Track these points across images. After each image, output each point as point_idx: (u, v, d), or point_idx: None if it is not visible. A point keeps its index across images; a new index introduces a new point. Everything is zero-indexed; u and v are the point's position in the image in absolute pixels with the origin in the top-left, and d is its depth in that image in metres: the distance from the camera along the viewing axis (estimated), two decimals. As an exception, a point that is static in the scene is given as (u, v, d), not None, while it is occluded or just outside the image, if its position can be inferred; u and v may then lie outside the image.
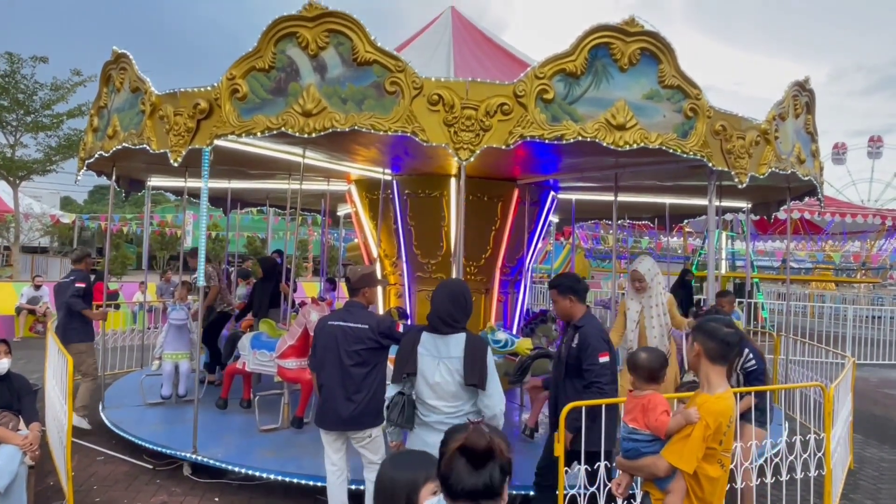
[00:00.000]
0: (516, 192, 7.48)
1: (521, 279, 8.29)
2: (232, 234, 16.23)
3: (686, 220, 12.34)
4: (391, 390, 3.48)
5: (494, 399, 3.28)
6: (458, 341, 3.32)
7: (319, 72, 4.50)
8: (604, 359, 3.86)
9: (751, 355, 4.72)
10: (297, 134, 4.53)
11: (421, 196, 7.27)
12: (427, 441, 3.31)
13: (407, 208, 7.36)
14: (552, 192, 8.17)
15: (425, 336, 3.41)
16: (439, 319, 3.35)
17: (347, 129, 4.49)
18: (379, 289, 6.84)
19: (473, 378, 3.22)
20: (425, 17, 8.50)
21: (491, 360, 3.35)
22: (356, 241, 16.82)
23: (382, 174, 7.33)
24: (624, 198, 8.51)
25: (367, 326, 4.11)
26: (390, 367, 5.01)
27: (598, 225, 21.11)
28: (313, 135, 4.50)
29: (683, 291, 10.88)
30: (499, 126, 4.48)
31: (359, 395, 4.07)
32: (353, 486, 4.49)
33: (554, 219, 11.12)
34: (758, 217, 9.59)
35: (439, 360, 3.32)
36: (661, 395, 3.09)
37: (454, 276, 7.11)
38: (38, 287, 13.55)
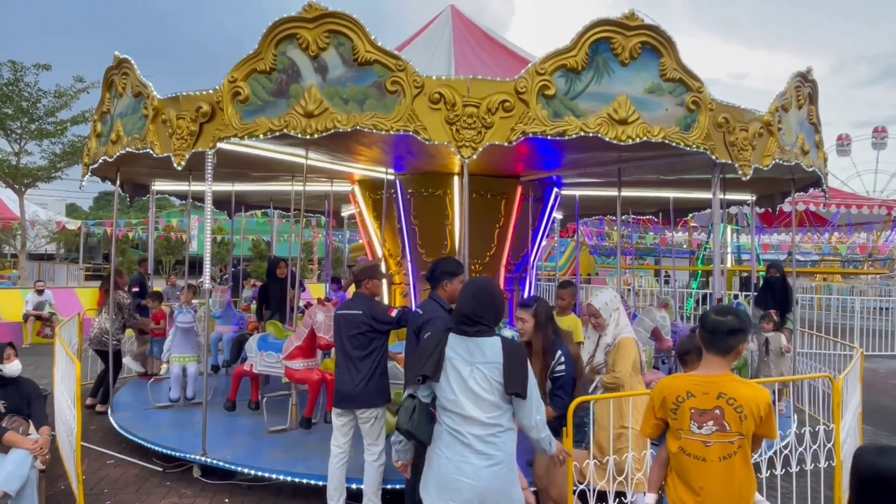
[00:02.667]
0: (519, 189, 7.48)
1: (525, 276, 8.28)
2: (237, 237, 16.24)
3: (691, 214, 12.31)
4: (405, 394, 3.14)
5: (532, 408, 2.95)
6: (493, 345, 2.96)
7: (320, 73, 4.51)
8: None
9: (562, 359, 3.99)
10: (299, 135, 4.54)
11: (424, 195, 7.28)
12: (462, 469, 2.86)
13: (410, 207, 7.37)
14: (555, 189, 8.16)
15: (454, 338, 3.01)
16: (463, 317, 3.01)
17: (349, 130, 4.50)
18: (384, 284, 6.89)
19: (516, 386, 2.88)
20: (425, 16, 8.51)
21: (529, 366, 3.04)
22: (360, 241, 16.82)
23: (385, 174, 7.34)
24: (628, 193, 8.49)
25: (360, 312, 4.45)
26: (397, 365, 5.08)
27: (603, 221, 21.09)
28: (315, 136, 4.52)
29: (769, 294, 8.66)
30: (501, 123, 4.48)
31: (359, 375, 4.40)
32: (354, 486, 4.58)
33: (557, 215, 11.09)
34: (762, 210, 9.55)
35: (473, 365, 2.93)
36: (663, 376, 3.35)
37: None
38: (40, 292, 13.59)
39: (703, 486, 2.74)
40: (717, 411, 2.70)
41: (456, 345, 3.00)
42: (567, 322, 5.73)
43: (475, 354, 2.95)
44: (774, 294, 8.64)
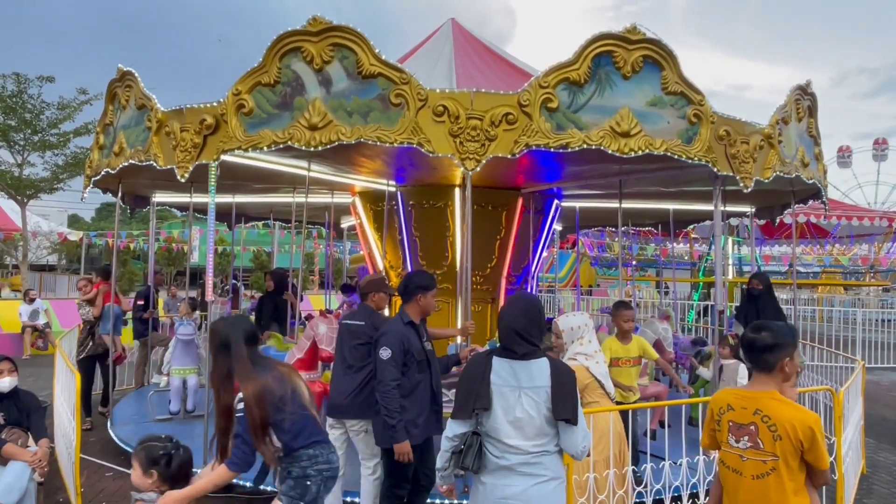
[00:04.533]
0: (520, 201, 7.49)
1: (526, 287, 8.28)
2: (238, 249, 16.24)
3: (691, 226, 12.31)
4: (455, 428, 2.84)
5: (580, 435, 2.77)
6: (541, 368, 2.79)
7: (325, 85, 4.54)
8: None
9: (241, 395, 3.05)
10: (303, 147, 4.56)
11: (425, 207, 7.29)
12: (507, 492, 2.73)
13: (412, 219, 7.38)
14: (556, 201, 8.18)
15: (498, 362, 2.83)
16: (516, 336, 2.82)
17: (353, 142, 4.51)
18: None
19: (566, 412, 2.72)
20: (424, 29, 8.57)
21: (578, 390, 2.90)
22: (360, 253, 16.77)
23: (387, 185, 7.35)
24: (628, 204, 8.51)
25: (363, 323, 4.45)
26: None
27: (604, 233, 21.10)
28: (319, 148, 4.54)
29: (752, 310, 7.26)
30: (504, 135, 4.50)
31: (353, 384, 4.39)
32: (351, 499, 4.60)
33: (557, 227, 11.09)
34: (763, 222, 9.56)
35: (520, 390, 2.76)
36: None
37: (459, 285, 7.17)
38: (31, 301, 13.50)
39: (738, 503, 2.72)
40: (752, 427, 2.68)
41: (501, 370, 2.81)
42: (635, 344, 5.26)
43: (522, 379, 2.78)
44: (758, 310, 7.09)
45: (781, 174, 5.44)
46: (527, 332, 2.83)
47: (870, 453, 6.77)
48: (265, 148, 4.66)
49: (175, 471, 2.99)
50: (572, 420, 2.73)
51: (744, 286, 17.95)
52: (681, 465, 4.50)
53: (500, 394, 2.77)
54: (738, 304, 9.02)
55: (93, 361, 7.55)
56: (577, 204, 9.32)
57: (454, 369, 4.77)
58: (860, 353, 13.06)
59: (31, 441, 4.60)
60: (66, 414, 5.36)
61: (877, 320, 15.39)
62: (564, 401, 2.73)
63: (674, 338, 7.66)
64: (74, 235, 25.46)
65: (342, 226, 12.60)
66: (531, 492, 2.73)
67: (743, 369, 5.98)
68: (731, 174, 5.01)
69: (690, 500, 4.45)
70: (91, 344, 7.42)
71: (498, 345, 2.98)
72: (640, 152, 4.61)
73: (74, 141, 19.58)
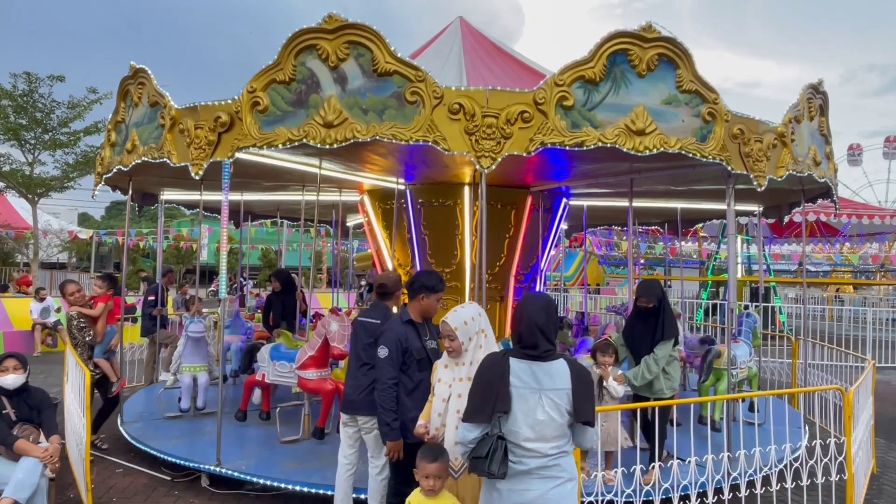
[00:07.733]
0: (529, 200, 7.49)
1: (535, 286, 8.28)
2: (245, 247, 16.27)
3: (699, 224, 12.26)
4: (472, 432, 2.73)
5: (591, 434, 2.82)
6: (561, 369, 2.75)
7: (340, 83, 4.54)
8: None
9: None
10: (318, 145, 4.56)
11: (435, 205, 7.29)
12: (524, 497, 2.70)
13: (421, 217, 7.38)
14: (564, 199, 8.18)
15: (517, 364, 2.76)
16: (539, 332, 2.78)
17: (369, 140, 4.52)
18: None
19: (587, 414, 2.72)
20: (431, 27, 8.56)
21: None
22: (367, 251, 16.77)
23: (396, 184, 7.36)
24: (636, 203, 8.48)
25: (378, 322, 4.44)
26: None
27: (612, 231, 21.04)
28: (335, 146, 4.53)
29: (637, 329, 5.29)
30: (519, 133, 4.49)
31: (366, 380, 4.37)
32: (357, 495, 4.59)
33: (563, 226, 11.07)
34: (772, 221, 9.51)
35: (541, 392, 2.70)
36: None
37: (468, 283, 7.19)
38: (42, 299, 13.57)
39: None
40: None
41: (520, 371, 2.74)
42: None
43: (543, 381, 2.73)
44: (647, 329, 5.20)
45: (794, 173, 5.42)
46: (548, 329, 2.80)
47: (880, 453, 6.74)
48: (280, 145, 4.66)
49: None
50: (591, 422, 2.74)
51: (753, 284, 17.77)
52: (689, 463, 4.49)
53: (521, 396, 2.70)
54: (746, 303, 8.74)
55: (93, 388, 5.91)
56: (585, 203, 9.30)
57: None
58: (870, 352, 12.98)
59: (42, 437, 4.64)
60: (76, 410, 5.40)
61: (887, 319, 15.28)
62: (586, 403, 2.72)
63: (683, 336, 7.63)
64: (85, 233, 25.62)
65: (348, 224, 12.61)
66: (550, 495, 2.70)
67: (613, 383, 5.15)
68: (745, 173, 5.00)
69: (699, 500, 4.44)
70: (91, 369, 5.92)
71: (512, 345, 2.93)
72: (654, 150, 4.60)
73: (84, 140, 19.72)
